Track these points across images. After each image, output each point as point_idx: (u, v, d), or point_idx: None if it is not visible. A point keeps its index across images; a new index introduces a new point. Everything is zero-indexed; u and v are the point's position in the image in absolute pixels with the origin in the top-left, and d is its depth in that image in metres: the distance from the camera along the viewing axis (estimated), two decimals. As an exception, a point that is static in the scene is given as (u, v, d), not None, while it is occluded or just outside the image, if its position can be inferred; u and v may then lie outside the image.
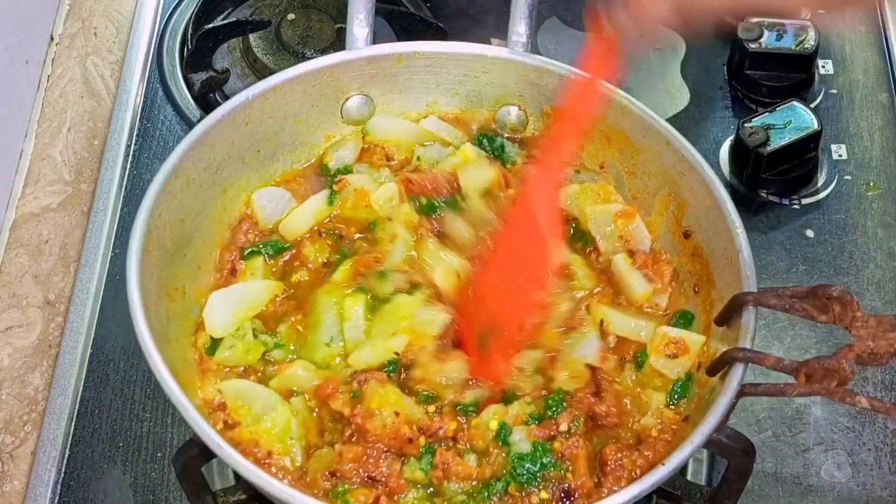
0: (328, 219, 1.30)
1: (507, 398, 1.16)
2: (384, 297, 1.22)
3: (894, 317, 0.99)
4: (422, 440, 1.12)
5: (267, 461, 1.11)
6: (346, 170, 1.32)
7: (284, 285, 1.25)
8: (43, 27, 1.63)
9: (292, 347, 1.21)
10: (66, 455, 1.30)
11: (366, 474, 1.10)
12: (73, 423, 1.32)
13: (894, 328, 0.99)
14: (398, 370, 1.18)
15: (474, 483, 1.11)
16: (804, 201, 1.50)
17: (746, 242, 1.16)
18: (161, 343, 1.09)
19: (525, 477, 1.10)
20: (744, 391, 1.06)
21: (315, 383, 1.16)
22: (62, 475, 1.29)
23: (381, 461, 1.11)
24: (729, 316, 1.12)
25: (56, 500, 1.28)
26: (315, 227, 1.29)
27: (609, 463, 1.11)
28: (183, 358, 1.17)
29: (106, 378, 1.36)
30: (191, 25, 1.62)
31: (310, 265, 1.27)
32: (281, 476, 1.10)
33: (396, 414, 1.11)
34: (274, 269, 1.27)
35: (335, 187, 1.30)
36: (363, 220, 1.29)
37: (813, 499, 1.29)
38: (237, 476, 1.26)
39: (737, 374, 1.07)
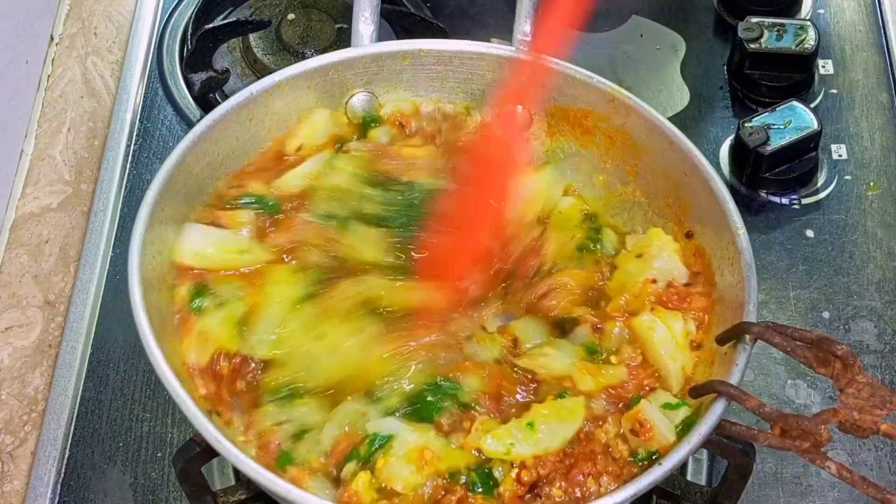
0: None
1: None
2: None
3: (889, 391, 0.98)
4: None
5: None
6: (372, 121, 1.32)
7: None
8: (43, 27, 1.63)
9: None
10: (66, 455, 1.30)
11: None
12: (73, 423, 1.32)
13: (884, 404, 0.98)
14: None
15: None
16: (804, 201, 1.50)
17: (748, 244, 1.16)
18: (162, 339, 1.09)
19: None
20: (720, 425, 1.06)
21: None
22: (62, 475, 1.29)
23: None
24: (730, 339, 1.11)
25: (56, 500, 1.28)
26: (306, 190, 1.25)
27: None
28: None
29: (106, 378, 1.36)
30: (191, 25, 1.62)
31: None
32: None
33: None
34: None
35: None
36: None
37: (813, 499, 1.29)
38: (237, 476, 1.26)
39: (719, 406, 1.06)
